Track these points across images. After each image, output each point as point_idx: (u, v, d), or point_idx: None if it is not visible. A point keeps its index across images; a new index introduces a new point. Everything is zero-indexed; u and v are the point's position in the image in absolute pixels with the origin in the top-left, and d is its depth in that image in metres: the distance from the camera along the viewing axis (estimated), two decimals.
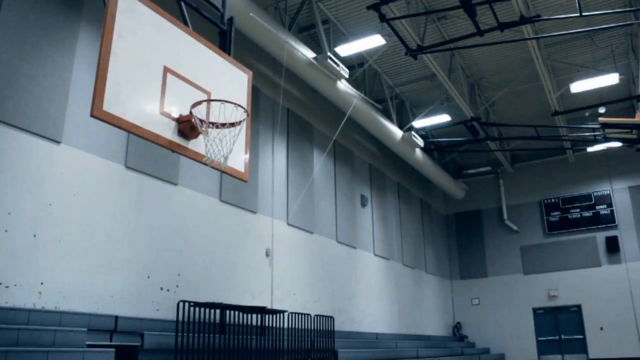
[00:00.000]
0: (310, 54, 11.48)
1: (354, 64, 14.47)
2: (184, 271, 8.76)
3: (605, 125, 13.50)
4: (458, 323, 20.67)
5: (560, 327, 19.01)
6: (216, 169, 4.69)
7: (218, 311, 8.19)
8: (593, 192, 19.43)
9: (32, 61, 6.96)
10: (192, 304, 7.51)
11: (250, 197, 10.70)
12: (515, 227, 20.48)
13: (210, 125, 4.47)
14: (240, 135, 4.76)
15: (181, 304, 7.28)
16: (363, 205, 15.21)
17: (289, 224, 11.82)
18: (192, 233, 9.13)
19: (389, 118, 15.25)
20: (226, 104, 4.45)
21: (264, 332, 9.12)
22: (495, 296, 20.30)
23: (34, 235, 6.63)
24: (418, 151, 16.55)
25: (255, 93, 10.73)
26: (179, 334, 7.05)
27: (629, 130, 13.31)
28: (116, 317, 7.21)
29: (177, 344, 7.00)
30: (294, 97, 12.80)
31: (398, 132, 15.29)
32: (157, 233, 8.42)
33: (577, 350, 18.53)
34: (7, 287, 6.21)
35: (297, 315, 9.83)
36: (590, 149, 18.89)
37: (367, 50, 13.76)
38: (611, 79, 14.48)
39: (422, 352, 14.30)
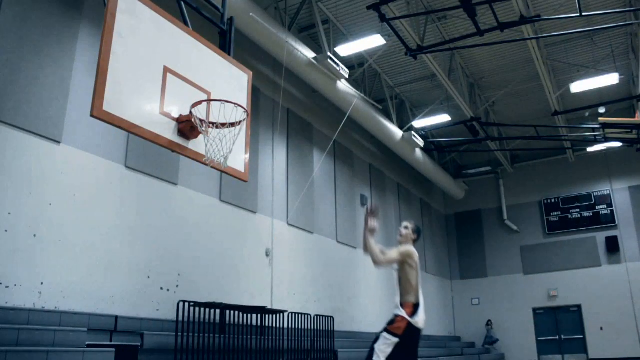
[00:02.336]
0: (310, 54, 11.47)
1: (354, 64, 14.46)
2: (184, 271, 8.76)
3: (605, 125, 13.47)
4: (489, 321, 19.72)
5: (560, 327, 19.01)
6: (216, 169, 4.69)
7: (218, 311, 8.19)
8: (593, 192, 19.42)
9: (32, 61, 6.96)
10: (192, 304, 7.52)
11: (250, 197, 10.69)
12: (515, 227, 20.45)
13: (210, 125, 4.47)
14: (240, 135, 4.75)
15: (181, 304, 7.29)
16: (363, 205, 15.20)
17: (289, 224, 11.82)
18: (192, 233, 9.13)
19: (389, 118, 15.25)
20: (226, 104, 4.45)
21: (264, 332, 9.12)
22: (495, 296, 20.28)
23: (34, 235, 6.63)
24: (418, 151, 16.54)
25: (255, 93, 10.73)
26: (179, 334, 7.06)
27: (629, 130, 13.27)
28: (116, 317, 7.22)
29: (177, 344, 7.00)
30: (294, 97, 12.79)
31: (398, 132, 15.28)
32: (157, 233, 8.41)
33: (577, 350, 18.52)
34: (7, 287, 6.21)
35: (297, 315, 9.83)
36: (590, 149, 18.88)
37: (367, 50, 13.75)
38: (611, 79, 14.48)
39: (422, 352, 14.19)
